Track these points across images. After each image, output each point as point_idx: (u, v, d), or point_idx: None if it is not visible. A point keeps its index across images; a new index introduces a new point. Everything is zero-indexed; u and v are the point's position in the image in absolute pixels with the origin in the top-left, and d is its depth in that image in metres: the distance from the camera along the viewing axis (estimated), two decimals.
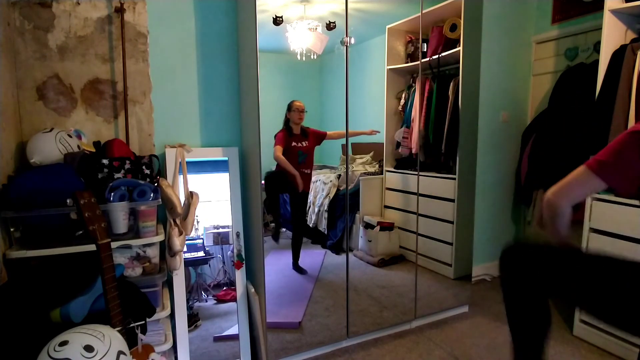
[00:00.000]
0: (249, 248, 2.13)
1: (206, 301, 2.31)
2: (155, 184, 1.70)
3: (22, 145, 1.66)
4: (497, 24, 2.89)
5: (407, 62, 2.53)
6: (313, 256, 2.42)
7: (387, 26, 2.48)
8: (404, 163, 2.57)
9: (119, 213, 1.55)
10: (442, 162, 2.51)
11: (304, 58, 2.15)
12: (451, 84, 2.40)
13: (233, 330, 2.10)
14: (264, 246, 1.93)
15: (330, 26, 2.09)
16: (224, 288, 2.34)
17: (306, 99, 2.29)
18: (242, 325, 2.06)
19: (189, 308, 2.10)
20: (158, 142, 2.00)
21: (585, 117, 2.27)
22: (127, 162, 1.66)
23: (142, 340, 1.39)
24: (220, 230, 2.23)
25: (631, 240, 1.90)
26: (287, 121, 2.19)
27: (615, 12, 2.05)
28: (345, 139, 2.15)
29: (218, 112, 2.13)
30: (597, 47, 2.54)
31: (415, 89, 2.49)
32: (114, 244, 1.42)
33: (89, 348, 1.02)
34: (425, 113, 2.47)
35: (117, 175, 1.63)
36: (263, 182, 1.91)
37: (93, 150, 1.77)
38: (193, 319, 2.11)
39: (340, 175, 2.46)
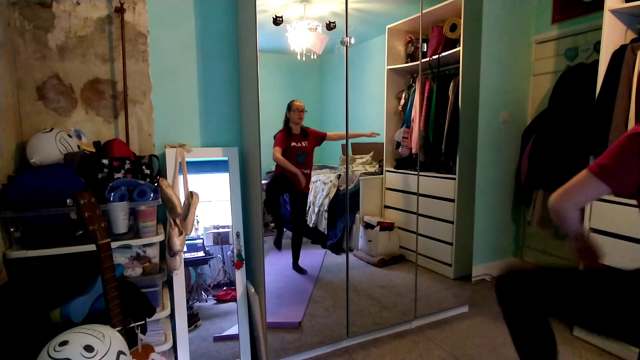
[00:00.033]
0: (249, 248, 2.13)
1: (206, 301, 2.31)
2: (155, 184, 1.70)
3: (22, 145, 1.66)
4: (497, 24, 2.89)
5: (407, 62, 2.53)
6: (313, 256, 2.42)
7: (387, 26, 2.48)
8: (404, 163, 2.57)
9: (119, 213, 1.55)
10: (442, 162, 2.51)
11: (304, 58, 2.15)
12: (451, 84, 2.40)
13: (233, 330, 2.10)
14: (264, 246, 1.93)
15: (330, 26, 2.09)
16: (224, 288, 2.35)
17: (306, 99, 2.29)
18: (242, 325, 2.06)
19: (189, 308, 2.10)
20: (158, 142, 2.00)
21: (585, 117, 2.27)
22: (127, 162, 1.66)
23: (142, 340, 1.39)
24: (220, 230, 2.23)
25: (631, 240, 1.90)
26: (287, 121, 2.19)
27: (615, 12, 2.05)
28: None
29: (218, 112, 2.13)
30: (597, 47, 2.54)
31: (415, 89, 2.49)
32: (114, 244, 1.42)
33: (89, 348, 1.02)
34: (425, 113, 2.47)
35: (117, 175, 1.63)
36: (265, 182, 1.91)
37: (93, 150, 1.77)
38: (193, 319, 2.11)
39: (340, 175, 2.46)
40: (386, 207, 2.62)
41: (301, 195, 2.39)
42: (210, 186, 2.16)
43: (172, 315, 1.86)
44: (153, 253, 1.68)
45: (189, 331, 1.96)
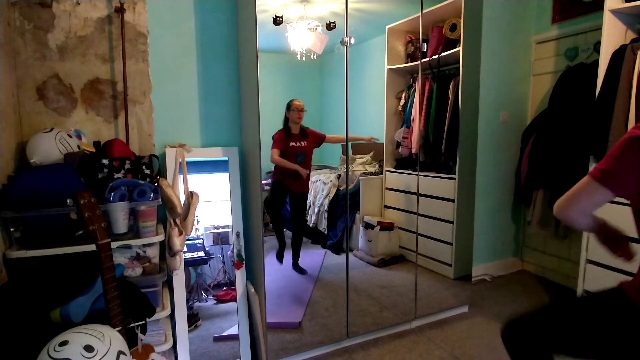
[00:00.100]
0: (249, 248, 2.13)
1: (206, 301, 2.31)
2: (155, 184, 1.70)
3: (22, 145, 1.66)
4: (497, 24, 2.89)
5: (407, 62, 2.53)
6: (313, 256, 2.42)
7: (387, 26, 2.48)
8: (404, 163, 2.57)
9: (119, 213, 1.55)
10: (442, 162, 2.51)
11: (304, 58, 2.15)
12: (451, 84, 2.40)
13: (233, 330, 2.10)
14: (264, 246, 1.93)
15: (330, 26, 2.09)
16: (224, 288, 2.35)
17: (306, 98, 2.29)
18: (242, 325, 2.06)
19: (189, 308, 2.10)
20: (158, 142, 2.00)
21: (585, 117, 2.27)
22: (127, 162, 1.66)
23: (142, 340, 1.39)
24: (220, 230, 2.23)
25: (631, 240, 1.89)
26: (286, 120, 2.19)
27: (615, 12, 2.05)
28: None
29: (218, 112, 2.13)
30: (597, 47, 2.54)
31: (415, 89, 2.49)
32: (114, 244, 1.42)
33: (89, 348, 1.02)
34: (425, 113, 2.47)
35: (117, 175, 1.63)
36: (265, 182, 1.91)
37: (93, 150, 1.77)
38: (193, 319, 2.11)
39: (340, 175, 2.47)
40: (386, 207, 2.62)
41: (301, 195, 2.39)
42: (210, 186, 2.16)
43: (172, 315, 1.86)
44: (153, 253, 1.68)
45: (189, 331, 1.96)
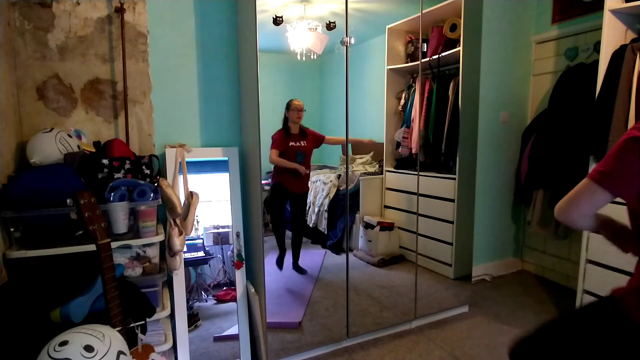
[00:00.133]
0: (249, 248, 2.13)
1: (206, 301, 2.31)
2: (155, 184, 1.70)
3: (22, 145, 1.66)
4: (497, 24, 2.89)
5: (407, 62, 2.53)
6: (313, 256, 2.42)
7: (387, 26, 2.48)
8: (404, 163, 2.57)
9: (119, 213, 1.55)
10: (442, 162, 2.51)
11: (304, 58, 2.15)
12: (451, 84, 2.40)
13: (233, 330, 2.10)
14: (264, 246, 1.93)
15: (330, 26, 2.09)
16: (224, 288, 2.35)
17: (306, 98, 2.29)
18: (242, 325, 2.06)
19: (189, 308, 2.10)
20: (158, 142, 2.00)
21: (585, 117, 2.27)
22: (127, 162, 1.66)
23: (142, 340, 1.39)
24: (220, 230, 2.23)
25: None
26: (285, 120, 2.19)
27: (615, 12, 2.05)
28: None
29: (218, 112, 2.13)
30: (597, 47, 2.54)
31: (415, 89, 2.49)
32: (114, 244, 1.42)
33: (89, 348, 1.02)
34: (425, 113, 2.47)
35: (117, 175, 1.63)
36: (265, 182, 1.91)
37: (93, 150, 1.77)
38: (193, 319, 2.11)
39: (340, 175, 2.46)
40: (386, 207, 2.62)
41: (301, 196, 2.39)
42: (210, 186, 2.16)
43: (172, 315, 1.86)
44: (153, 253, 1.68)
45: (189, 331, 1.96)
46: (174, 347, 1.85)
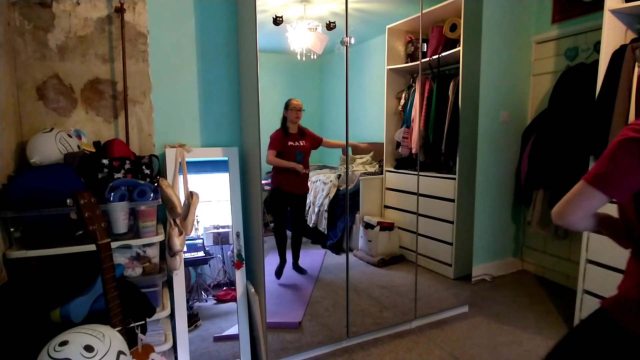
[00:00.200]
0: (249, 248, 2.13)
1: (206, 301, 2.31)
2: (155, 184, 1.70)
3: (22, 145, 1.66)
4: (497, 24, 2.89)
5: (407, 62, 2.53)
6: (313, 256, 2.42)
7: (387, 26, 2.48)
8: (404, 163, 2.57)
9: (119, 213, 1.55)
10: (442, 162, 2.51)
11: (304, 58, 2.15)
12: (451, 84, 2.40)
13: (233, 330, 2.10)
14: (264, 246, 1.93)
15: (330, 26, 2.09)
16: (224, 288, 2.35)
17: (306, 98, 2.29)
18: (242, 325, 2.06)
19: (189, 308, 2.10)
20: (158, 142, 2.00)
21: (585, 117, 2.27)
22: (127, 162, 1.66)
23: (142, 340, 1.39)
24: (220, 230, 2.23)
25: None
26: (284, 120, 2.19)
27: (615, 12, 2.05)
28: (341, 148, 2.16)
29: (218, 112, 2.13)
30: (597, 47, 2.54)
31: (415, 89, 2.49)
32: (114, 244, 1.42)
33: (89, 348, 1.02)
34: (425, 113, 2.47)
35: (117, 175, 1.63)
36: (265, 182, 1.91)
37: (93, 150, 1.77)
38: (193, 319, 2.11)
39: (340, 175, 2.46)
40: (386, 207, 2.62)
41: (301, 196, 2.39)
42: (210, 186, 2.16)
43: (172, 315, 1.86)
44: (153, 253, 1.68)
45: (189, 331, 1.96)
46: (174, 347, 1.85)
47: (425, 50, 2.42)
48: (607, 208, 0.98)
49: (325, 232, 2.45)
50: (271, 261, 2.25)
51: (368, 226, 2.54)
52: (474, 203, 2.56)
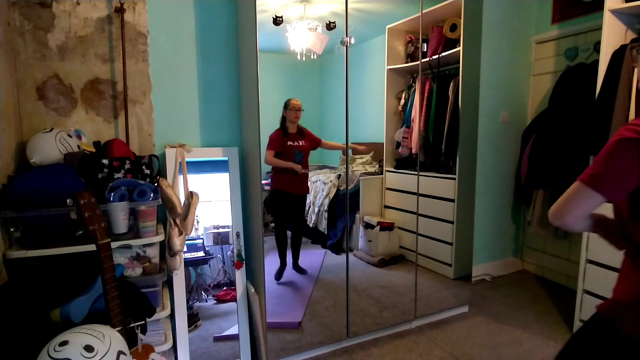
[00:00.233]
0: (249, 248, 2.13)
1: (206, 301, 2.31)
2: (155, 184, 1.70)
3: (22, 145, 1.66)
4: (497, 24, 2.89)
5: (407, 62, 2.53)
6: (313, 256, 2.42)
7: (387, 26, 2.48)
8: (404, 163, 2.57)
9: (119, 213, 1.55)
10: (442, 162, 2.51)
11: (304, 58, 2.15)
12: (451, 84, 2.40)
13: (233, 330, 2.10)
14: (264, 246, 1.93)
15: (330, 26, 2.09)
16: (224, 288, 2.34)
17: (306, 98, 2.29)
18: (242, 325, 2.06)
19: (189, 308, 2.10)
20: (158, 142, 2.00)
21: (585, 117, 2.27)
22: (127, 162, 1.66)
23: (142, 340, 1.39)
24: (220, 230, 2.23)
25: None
26: (283, 120, 2.19)
27: (615, 12, 2.05)
28: (341, 150, 2.17)
29: (218, 112, 2.13)
30: (597, 47, 2.54)
31: (415, 89, 2.49)
32: (114, 244, 1.42)
33: (89, 348, 1.02)
34: (425, 113, 2.47)
35: (117, 175, 1.63)
36: (265, 182, 1.91)
37: (93, 150, 1.77)
38: (193, 319, 2.11)
39: (340, 175, 2.46)
40: (386, 207, 2.62)
41: (301, 197, 2.39)
42: (210, 186, 2.16)
43: (172, 315, 1.86)
44: (153, 253, 1.68)
45: (189, 331, 1.96)
46: (174, 347, 1.85)
47: (425, 50, 2.42)
48: (603, 208, 0.98)
49: (325, 232, 2.45)
50: (271, 261, 2.25)
51: (368, 226, 2.54)
52: (474, 203, 2.56)
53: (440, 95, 2.46)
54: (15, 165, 1.58)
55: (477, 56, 2.40)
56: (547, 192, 2.73)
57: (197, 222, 2.16)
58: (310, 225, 2.50)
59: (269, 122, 2.10)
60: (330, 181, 2.49)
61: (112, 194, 1.53)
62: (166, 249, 1.79)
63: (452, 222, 2.45)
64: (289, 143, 2.19)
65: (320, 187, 2.51)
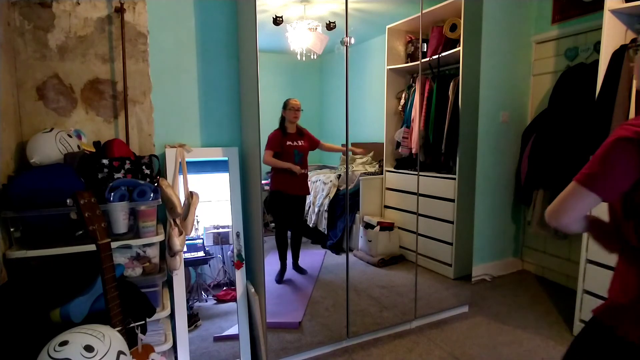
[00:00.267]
0: (249, 248, 2.13)
1: (206, 301, 2.31)
2: (155, 184, 1.70)
3: (22, 145, 1.66)
4: (497, 24, 2.89)
5: (407, 62, 2.53)
6: (313, 256, 2.42)
7: (387, 26, 2.48)
8: (404, 163, 2.57)
9: (119, 213, 1.55)
10: (442, 162, 2.51)
11: (304, 58, 2.15)
12: (451, 84, 2.40)
13: (233, 330, 2.10)
14: (264, 246, 1.93)
15: (330, 26, 2.09)
16: (224, 288, 2.35)
17: (306, 98, 2.29)
18: (242, 325, 2.06)
19: (189, 308, 2.10)
20: (158, 142, 2.00)
21: (585, 117, 2.27)
22: (127, 162, 1.66)
23: (142, 340, 1.39)
24: (220, 230, 2.23)
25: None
26: (282, 120, 2.19)
27: (615, 12, 2.05)
28: (340, 153, 2.17)
29: (218, 112, 2.13)
30: (597, 47, 2.54)
31: (415, 89, 2.49)
32: (114, 244, 1.42)
33: (89, 348, 1.02)
34: (425, 113, 2.47)
35: (117, 175, 1.63)
36: (265, 182, 1.91)
37: (93, 150, 1.77)
38: (193, 319, 2.11)
39: (340, 175, 2.47)
40: (386, 207, 2.62)
41: (301, 198, 2.39)
42: (210, 186, 2.16)
43: (172, 315, 1.86)
44: (153, 253, 1.68)
45: (189, 331, 1.96)
46: (174, 347, 1.85)
47: (425, 50, 2.42)
48: (598, 207, 0.97)
49: (325, 232, 2.45)
50: (271, 261, 2.25)
51: (368, 226, 2.54)
52: (474, 203, 2.55)
53: (440, 95, 2.46)
54: (15, 165, 1.58)
55: (477, 56, 2.40)
56: (547, 192, 2.73)
57: (197, 222, 2.16)
58: (310, 225, 2.50)
59: (269, 122, 2.10)
60: (330, 181, 2.49)
61: (112, 194, 1.53)
62: (166, 249, 1.79)
63: (452, 222, 2.45)
64: (287, 143, 2.19)
65: (320, 187, 2.51)
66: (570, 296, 2.52)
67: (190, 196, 1.90)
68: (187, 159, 1.98)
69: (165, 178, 1.90)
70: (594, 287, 2.12)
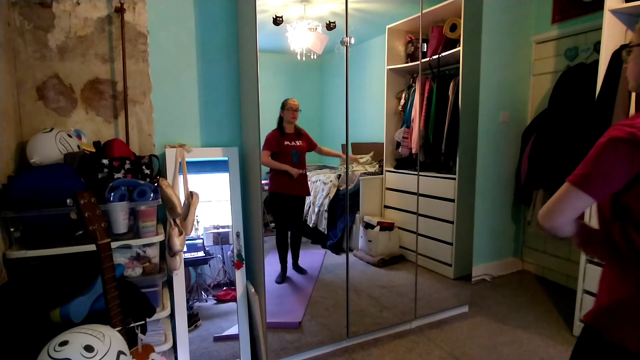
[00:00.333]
0: (249, 248, 2.13)
1: (206, 301, 2.31)
2: (155, 184, 1.70)
3: (22, 145, 1.66)
4: (497, 24, 2.89)
5: (407, 62, 2.53)
6: (313, 256, 2.42)
7: (387, 26, 2.48)
8: (404, 163, 2.57)
9: (119, 213, 1.55)
10: (442, 162, 2.51)
11: (304, 58, 2.15)
12: (451, 84, 2.40)
13: (233, 330, 2.10)
14: (264, 246, 1.93)
15: (330, 26, 2.09)
16: (224, 288, 2.34)
17: (306, 99, 2.29)
18: (242, 325, 2.06)
19: (189, 308, 2.10)
20: (158, 142, 2.00)
21: (585, 117, 2.27)
22: (127, 162, 1.66)
23: (142, 340, 1.39)
24: (220, 230, 2.23)
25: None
26: (280, 120, 2.19)
27: (615, 12, 2.05)
28: (341, 147, 2.17)
29: (218, 112, 2.13)
30: (597, 47, 2.54)
31: (415, 89, 2.49)
32: (114, 244, 1.42)
33: (89, 348, 1.02)
34: (425, 113, 2.47)
35: (117, 175, 1.63)
36: (265, 182, 1.91)
37: (93, 150, 1.77)
38: (193, 319, 2.11)
39: (340, 175, 2.46)
40: (386, 207, 2.62)
41: (300, 198, 2.39)
42: (210, 186, 2.16)
43: (172, 315, 1.86)
44: (153, 253, 1.68)
45: (189, 331, 1.96)
46: (174, 347, 1.85)
47: (425, 50, 2.42)
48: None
49: (325, 232, 2.45)
50: (271, 261, 2.25)
51: (368, 226, 2.54)
52: (474, 203, 2.55)
53: (440, 95, 2.46)
54: (15, 165, 1.58)
55: (477, 56, 2.40)
56: (547, 192, 2.73)
57: (197, 222, 2.16)
58: (310, 225, 2.50)
59: (269, 122, 2.10)
60: (330, 181, 2.49)
61: (112, 194, 1.53)
62: (166, 249, 1.79)
63: (452, 222, 2.45)
64: (285, 143, 2.19)
65: (320, 187, 2.51)
66: (570, 296, 2.52)
67: (190, 196, 1.90)
68: (187, 159, 1.98)
69: (165, 178, 1.90)
70: (594, 287, 2.11)
